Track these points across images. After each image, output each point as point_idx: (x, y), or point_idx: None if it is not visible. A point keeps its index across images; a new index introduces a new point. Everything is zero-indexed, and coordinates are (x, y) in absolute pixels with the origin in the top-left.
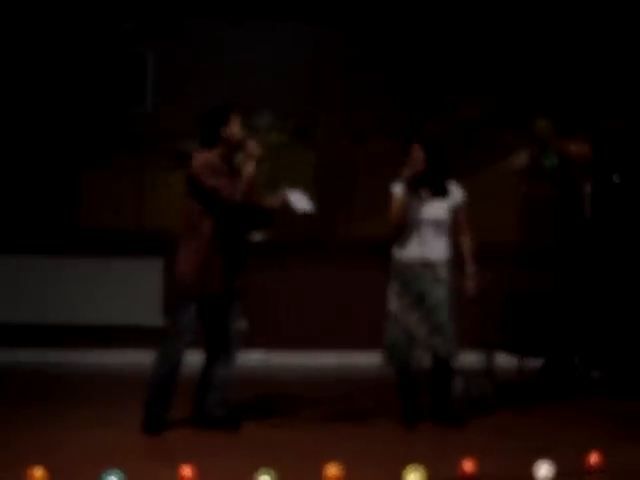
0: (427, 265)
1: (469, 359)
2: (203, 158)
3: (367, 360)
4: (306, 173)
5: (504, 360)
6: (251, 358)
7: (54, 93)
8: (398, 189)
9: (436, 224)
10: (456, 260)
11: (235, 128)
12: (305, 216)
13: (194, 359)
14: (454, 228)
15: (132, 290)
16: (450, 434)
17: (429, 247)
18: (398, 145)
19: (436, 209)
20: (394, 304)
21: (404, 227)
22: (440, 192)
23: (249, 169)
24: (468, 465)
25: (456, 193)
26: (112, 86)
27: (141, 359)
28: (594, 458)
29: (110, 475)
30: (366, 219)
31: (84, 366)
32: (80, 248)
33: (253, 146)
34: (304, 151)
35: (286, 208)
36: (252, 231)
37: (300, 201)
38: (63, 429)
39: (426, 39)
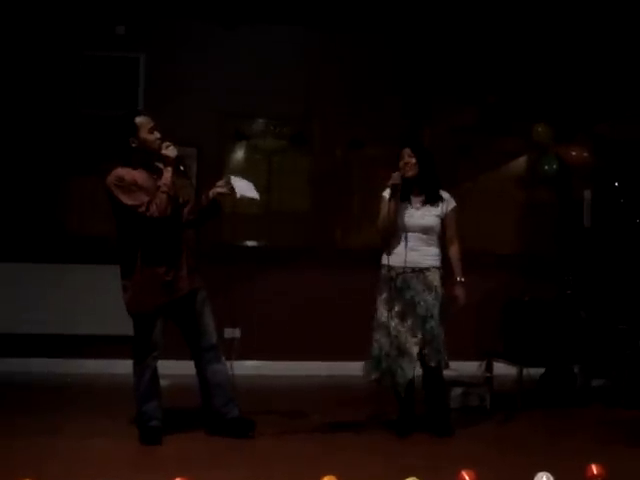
0: (418, 272)
1: (468, 368)
2: (115, 174)
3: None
4: (301, 179)
5: (503, 369)
6: (244, 367)
7: (44, 98)
8: (387, 194)
9: (426, 231)
10: (446, 268)
11: (144, 134)
12: (251, 201)
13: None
14: (444, 236)
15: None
16: (447, 445)
17: (420, 254)
18: (394, 151)
19: (427, 216)
20: (383, 313)
21: (391, 233)
22: (432, 199)
23: (167, 175)
24: (466, 477)
25: (447, 200)
26: (103, 91)
27: (131, 368)
28: (595, 468)
29: None
30: (362, 226)
31: (73, 376)
32: (70, 256)
33: (168, 149)
34: (299, 157)
35: (230, 193)
36: (199, 225)
37: (244, 187)
38: (55, 439)
39: (422, 45)
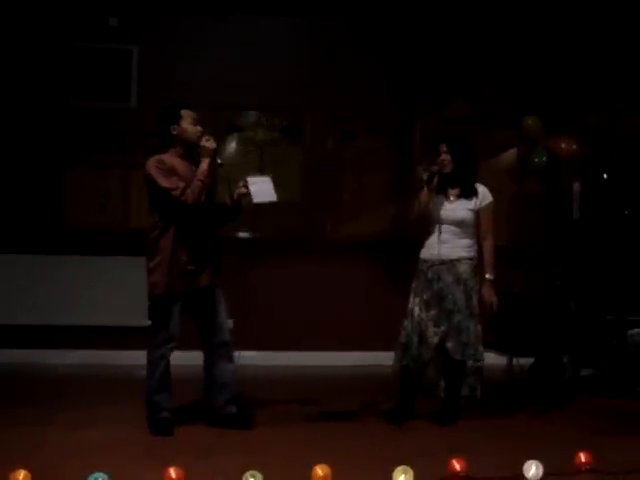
0: (448, 264)
1: None
2: (154, 159)
3: (355, 360)
4: (293, 171)
5: (493, 359)
6: (237, 358)
7: (37, 90)
8: (425, 176)
9: (459, 224)
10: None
11: (186, 124)
12: (268, 206)
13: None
14: (477, 231)
15: (117, 290)
16: (439, 433)
17: (451, 246)
18: (385, 144)
19: (459, 209)
20: (412, 301)
21: (425, 221)
22: (466, 193)
23: (203, 166)
24: (457, 465)
25: (481, 194)
26: (96, 83)
27: (126, 359)
28: (583, 457)
29: (96, 478)
30: (353, 217)
31: (68, 366)
32: (64, 247)
33: (206, 141)
34: (291, 149)
35: (247, 198)
36: (218, 226)
37: (262, 191)
38: (48, 429)
39: (414, 37)
